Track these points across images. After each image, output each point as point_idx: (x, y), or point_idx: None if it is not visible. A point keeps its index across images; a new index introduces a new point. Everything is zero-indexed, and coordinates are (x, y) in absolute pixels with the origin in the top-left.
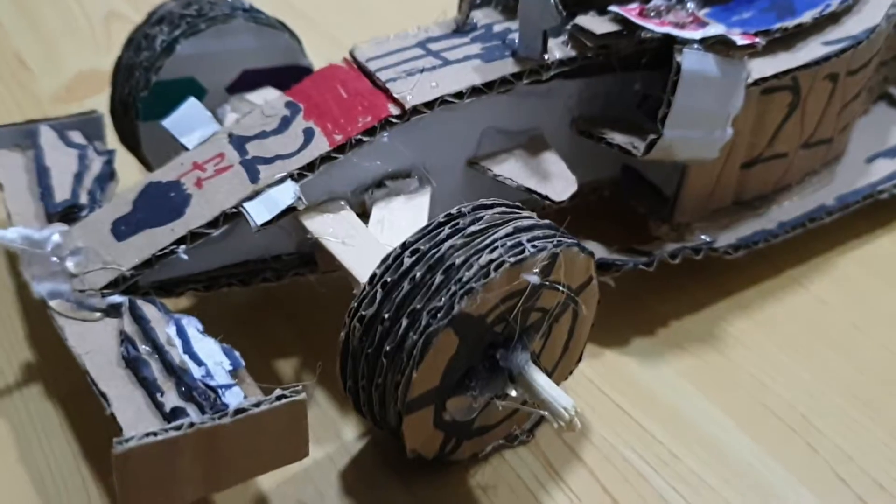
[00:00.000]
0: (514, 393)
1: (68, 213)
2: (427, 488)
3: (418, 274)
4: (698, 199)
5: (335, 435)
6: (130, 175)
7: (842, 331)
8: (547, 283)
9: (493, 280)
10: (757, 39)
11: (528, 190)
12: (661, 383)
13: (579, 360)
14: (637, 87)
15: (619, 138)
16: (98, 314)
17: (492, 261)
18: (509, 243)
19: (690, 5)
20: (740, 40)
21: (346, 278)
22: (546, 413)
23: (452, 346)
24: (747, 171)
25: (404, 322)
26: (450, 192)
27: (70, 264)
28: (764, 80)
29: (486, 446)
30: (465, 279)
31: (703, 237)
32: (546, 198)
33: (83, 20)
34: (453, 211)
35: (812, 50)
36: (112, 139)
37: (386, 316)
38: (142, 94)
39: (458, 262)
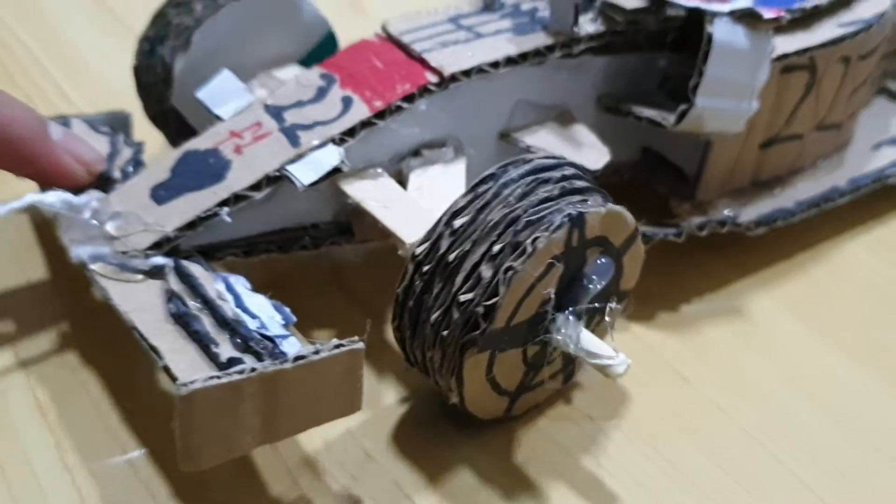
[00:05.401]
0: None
1: (103, 185)
2: (475, 450)
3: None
4: (720, 178)
5: (376, 400)
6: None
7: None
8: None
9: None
10: (783, 13)
11: None
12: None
13: None
14: (662, 63)
15: (647, 112)
16: (140, 276)
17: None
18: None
19: None
20: (767, 13)
21: (380, 249)
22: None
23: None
24: (765, 150)
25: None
26: (481, 164)
27: (110, 227)
28: (785, 56)
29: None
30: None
31: (726, 212)
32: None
33: None
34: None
35: (828, 30)
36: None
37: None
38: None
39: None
